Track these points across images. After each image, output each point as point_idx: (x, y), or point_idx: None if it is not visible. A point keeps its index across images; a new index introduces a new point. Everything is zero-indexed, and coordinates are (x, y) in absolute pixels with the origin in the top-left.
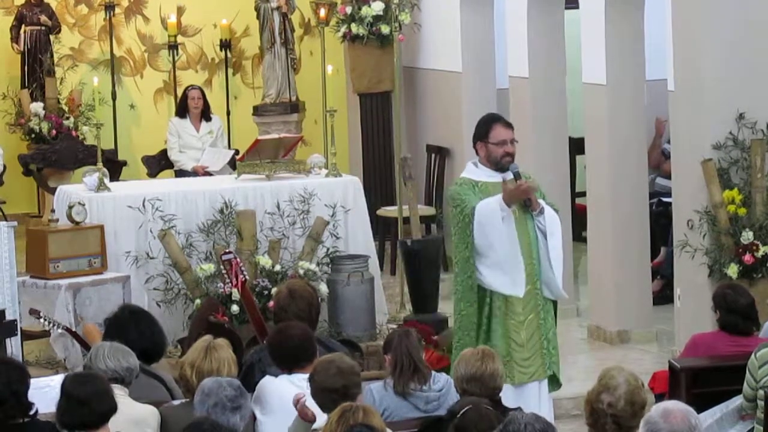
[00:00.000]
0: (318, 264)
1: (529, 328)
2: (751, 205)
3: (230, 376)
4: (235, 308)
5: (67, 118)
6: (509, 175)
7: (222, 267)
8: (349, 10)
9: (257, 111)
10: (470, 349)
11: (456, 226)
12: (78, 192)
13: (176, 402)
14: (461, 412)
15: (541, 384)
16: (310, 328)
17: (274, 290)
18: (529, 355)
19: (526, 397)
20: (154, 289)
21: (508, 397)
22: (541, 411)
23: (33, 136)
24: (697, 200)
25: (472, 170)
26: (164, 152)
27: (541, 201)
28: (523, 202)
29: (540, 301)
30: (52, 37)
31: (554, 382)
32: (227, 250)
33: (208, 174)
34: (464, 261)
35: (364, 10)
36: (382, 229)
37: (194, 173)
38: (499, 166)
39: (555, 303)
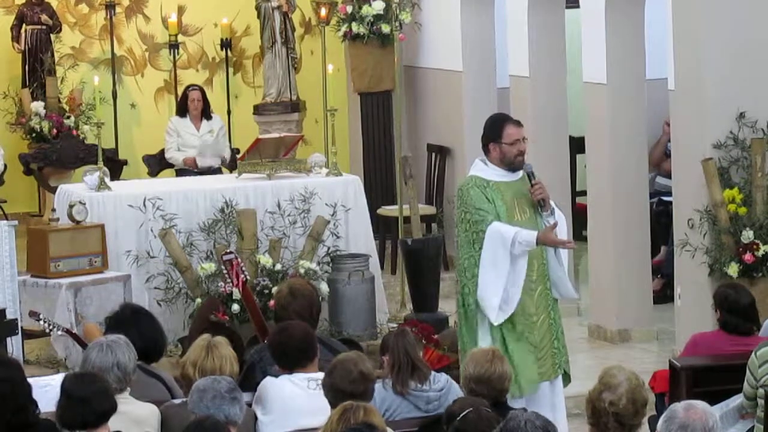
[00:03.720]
0: (319, 263)
1: (541, 329)
2: (752, 204)
3: (232, 372)
4: (235, 307)
5: (68, 118)
6: (521, 173)
7: (223, 267)
8: (349, 9)
9: (258, 110)
10: (481, 348)
11: (465, 232)
12: (79, 191)
13: (177, 401)
14: (461, 415)
15: (553, 383)
16: (310, 327)
17: (274, 289)
18: (542, 356)
19: (539, 397)
20: (155, 288)
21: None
22: (556, 410)
23: (34, 135)
24: (697, 199)
25: (482, 168)
26: (164, 151)
27: (551, 201)
28: (537, 202)
29: (550, 301)
30: (52, 37)
31: (565, 378)
32: (228, 251)
33: (197, 171)
34: (463, 270)
35: (365, 9)
36: (383, 228)
37: (188, 168)
38: (512, 166)
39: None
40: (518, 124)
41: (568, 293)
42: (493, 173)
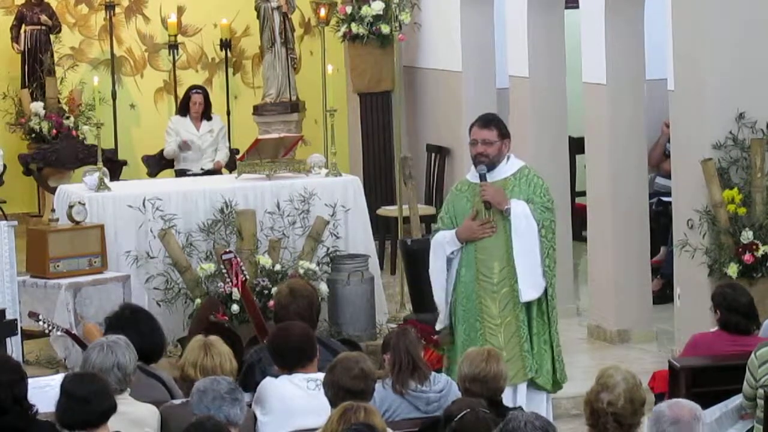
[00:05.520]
0: (318, 263)
1: (507, 331)
2: (751, 204)
3: (231, 369)
4: (235, 308)
5: (68, 118)
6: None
7: (222, 266)
8: (349, 9)
9: (257, 110)
10: (476, 348)
11: None
12: (78, 191)
13: (176, 401)
14: (459, 417)
15: (517, 389)
16: (310, 327)
17: (274, 290)
18: (508, 358)
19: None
20: (155, 288)
21: None
22: None
23: (33, 135)
24: (697, 200)
25: (472, 171)
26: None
27: (513, 201)
28: (484, 204)
29: (519, 303)
30: (52, 37)
31: (556, 384)
32: (227, 250)
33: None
34: None
35: (364, 10)
36: (382, 228)
37: (180, 148)
38: (475, 166)
39: (547, 305)
40: (484, 125)
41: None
42: (475, 175)
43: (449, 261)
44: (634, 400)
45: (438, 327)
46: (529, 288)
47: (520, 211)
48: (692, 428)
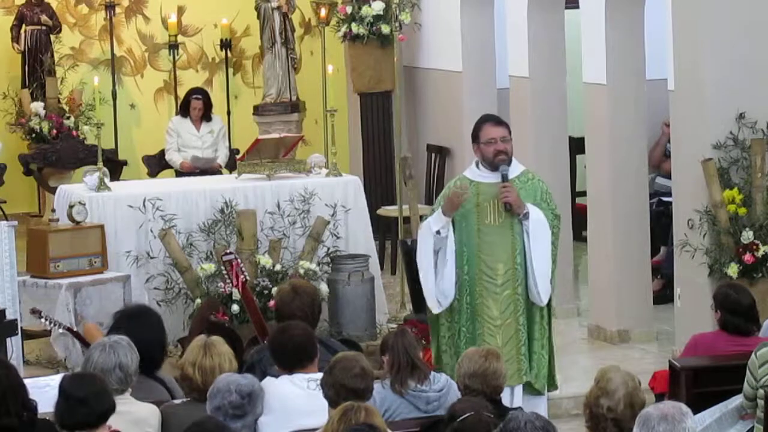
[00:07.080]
0: (318, 264)
1: (505, 333)
2: (752, 204)
3: (231, 369)
4: (235, 308)
5: (68, 118)
6: (505, 175)
7: (222, 267)
8: (349, 9)
9: (258, 110)
10: (475, 347)
11: None
12: (78, 191)
13: (177, 401)
14: (461, 418)
15: (514, 390)
16: (311, 326)
17: (274, 290)
18: (504, 360)
19: None
20: (155, 288)
21: None
22: None
23: (33, 135)
24: (697, 200)
25: (473, 170)
26: (164, 152)
27: (530, 205)
28: (504, 206)
29: (521, 307)
30: (52, 37)
31: (551, 385)
32: (228, 251)
33: (196, 172)
34: None
35: (365, 10)
36: (383, 228)
37: (182, 169)
38: (494, 165)
39: (548, 310)
40: (498, 123)
41: (533, 298)
42: (480, 174)
43: (442, 249)
44: (634, 405)
45: (435, 310)
46: (542, 292)
47: (537, 216)
48: (681, 420)
